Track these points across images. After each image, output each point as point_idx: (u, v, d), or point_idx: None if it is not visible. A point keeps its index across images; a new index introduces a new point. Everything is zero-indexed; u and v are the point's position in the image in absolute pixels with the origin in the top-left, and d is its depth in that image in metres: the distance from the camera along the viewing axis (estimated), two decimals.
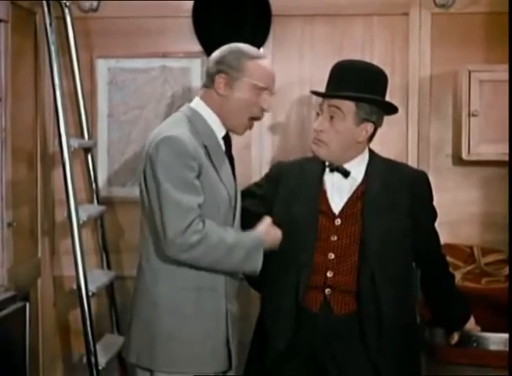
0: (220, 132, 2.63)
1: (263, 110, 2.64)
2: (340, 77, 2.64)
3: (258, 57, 2.61)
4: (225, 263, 2.52)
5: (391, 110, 2.70)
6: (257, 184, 2.91)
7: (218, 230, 2.49)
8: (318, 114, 2.68)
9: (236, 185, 2.66)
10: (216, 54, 2.62)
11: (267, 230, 2.59)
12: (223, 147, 2.64)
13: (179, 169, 2.46)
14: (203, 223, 2.46)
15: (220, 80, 2.58)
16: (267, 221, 2.62)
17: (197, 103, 2.64)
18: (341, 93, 2.60)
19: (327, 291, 2.62)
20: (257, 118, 2.66)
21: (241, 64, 2.57)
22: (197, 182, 2.49)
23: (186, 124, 2.57)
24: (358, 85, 2.59)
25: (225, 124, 2.63)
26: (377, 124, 2.67)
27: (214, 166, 2.56)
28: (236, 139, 2.73)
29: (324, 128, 2.63)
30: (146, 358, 2.57)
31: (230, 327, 2.60)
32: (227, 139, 2.67)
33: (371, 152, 2.74)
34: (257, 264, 2.54)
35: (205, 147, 2.55)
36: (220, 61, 2.59)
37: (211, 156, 2.56)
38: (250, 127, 2.68)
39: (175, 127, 2.55)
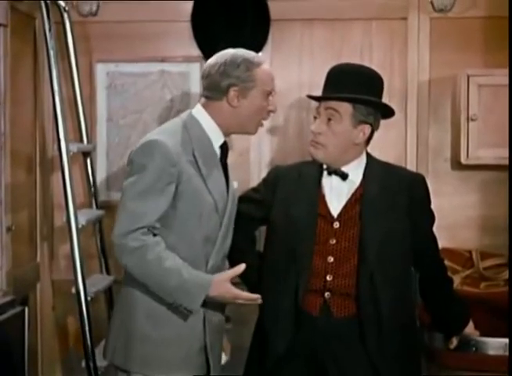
0: (217, 141, 2.63)
1: (270, 111, 2.66)
2: (337, 80, 2.65)
3: (262, 62, 2.62)
4: (158, 285, 2.47)
5: (388, 112, 2.71)
6: (254, 189, 2.90)
7: (161, 251, 2.46)
8: (315, 118, 2.68)
9: (228, 193, 2.64)
10: (217, 64, 2.58)
11: (224, 280, 2.51)
12: (218, 156, 2.64)
13: (152, 174, 2.46)
14: (153, 236, 2.46)
15: (234, 93, 2.57)
16: (231, 273, 2.53)
17: (198, 111, 2.63)
18: (338, 95, 2.61)
19: (327, 294, 2.62)
20: (265, 119, 2.68)
21: (252, 75, 2.57)
22: (169, 189, 2.48)
23: (180, 130, 2.57)
24: (355, 87, 2.60)
25: (232, 130, 2.64)
26: (374, 127, 2.68)
27: (201, 174, 2.54)
28: (234, 144, 2.73)
29: (322, 131, 2.64)
30: (121, 358, 2.59)
31: (208, 336, 2.58)
32: (224, 147, 2.66)
33: (369, 155, 2.74)
34: (193, 302, 2.46)
35: (193, 155, 2.54)
36: (229, 74, 2.56)
37: (199, 164, 2.55)
38: (261, 125, 2.69)
39: (164, 133, 2.56)
